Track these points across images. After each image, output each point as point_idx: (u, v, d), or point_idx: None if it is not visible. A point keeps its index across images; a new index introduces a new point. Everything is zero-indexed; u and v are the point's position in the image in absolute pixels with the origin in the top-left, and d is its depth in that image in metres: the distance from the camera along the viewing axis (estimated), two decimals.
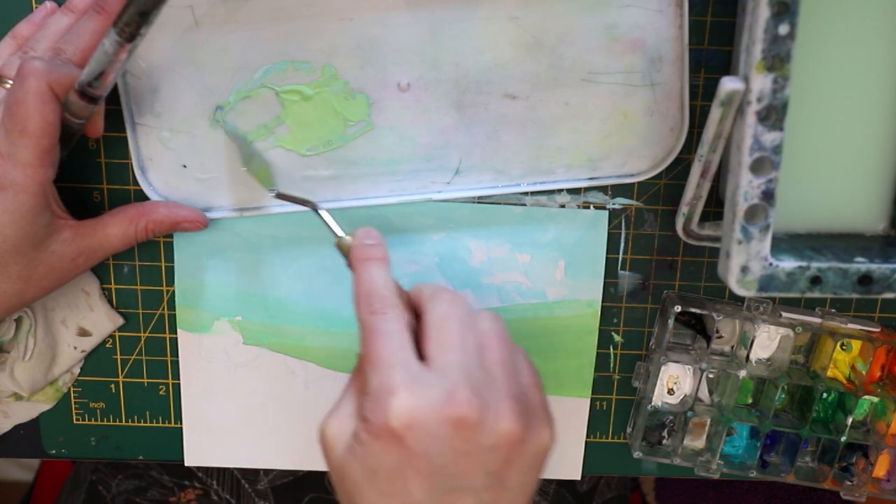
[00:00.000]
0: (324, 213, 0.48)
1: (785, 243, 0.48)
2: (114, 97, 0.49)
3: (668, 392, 0.57)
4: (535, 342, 0.56)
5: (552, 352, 0.57)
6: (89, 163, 0.53)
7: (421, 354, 0.41)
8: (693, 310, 0.54)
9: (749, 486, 0.73)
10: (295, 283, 0.55)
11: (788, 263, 0.45)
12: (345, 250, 0.46)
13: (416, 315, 0.44)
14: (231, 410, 0.57)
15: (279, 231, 0.54)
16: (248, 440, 0.58)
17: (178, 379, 0.57)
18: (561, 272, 0.55)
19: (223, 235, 0.54)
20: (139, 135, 0.50)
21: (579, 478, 0.60)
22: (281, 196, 0.50)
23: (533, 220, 0.54)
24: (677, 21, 0.49)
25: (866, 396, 0.55)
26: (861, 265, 0.45)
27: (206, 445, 0.58)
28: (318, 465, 0.54)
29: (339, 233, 0.46)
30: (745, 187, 0.43)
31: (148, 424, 0.58)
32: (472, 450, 0.39)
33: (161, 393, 0.58)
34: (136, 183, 0.52)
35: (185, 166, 0.51)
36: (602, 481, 0.76)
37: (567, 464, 0.59)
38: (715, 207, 0.53)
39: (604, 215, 0.54)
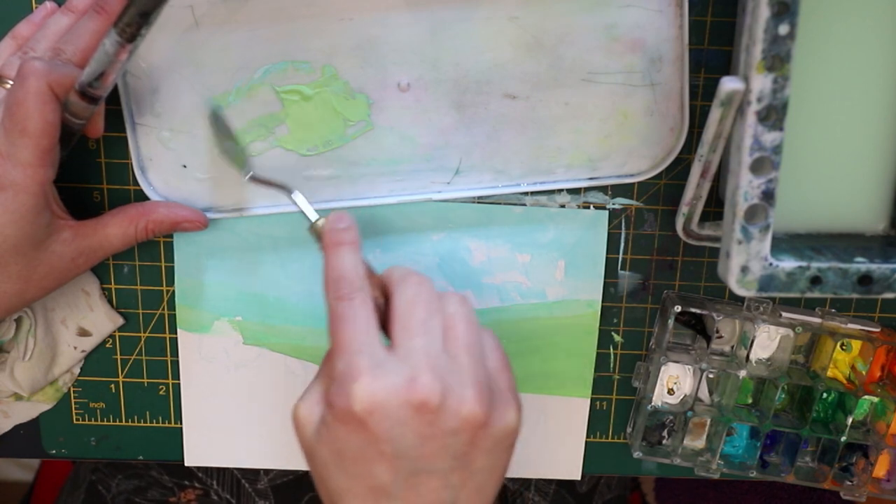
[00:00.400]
0: (297, 197, 0.47)
1: (785, 243, 0.48)
2: (114, 97, 0.50)
3: (668, 392, 0.58)
4: (535, 342, 0.56)
5: (552, 352, 0.57)
6: (89, 163, 0.53)
7: (388, 338, 0.42)
8: (693, 310, 0.54)
9: (749, 486, 0.73)
10: (295, 283, 0.55)
11: (788, 263, 0.45)
12: (318, 234, 0.46)
13: (386, 297, 0.44)
14: (231, 410, 0.57)
15: (279, 231, 0.54)
16: (248, 440, 0.58)
17: (178, 379, 0.57)
18: (561, 272, 0.55)
19: (223, 235, 0.54)
20: (139, 135, 0.50)
21: (579, 478, 0.60)
22: (255, 179, 0.49)
23: (533, 220, 0.54)
24: (677, 21, 0.49)
25: (866, 396, 0.55)
26: (861, 265, 0.45)
27: (206, 445, 0.58)
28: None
29: (313, 217, 0.46)
30: (745, 187, 0.43)
31: (148, 424, 0.58)
32: (435, 433, 0.39)
33: (161, 393, 0.58)
34: (136, 183, 0.52)
35: (185, 166, 0.51)
36: (602, 482, 0.76)
37: (567, 464, 0.59)
38: (715, 207, 0.53)
39: (604, 215, 0.54)
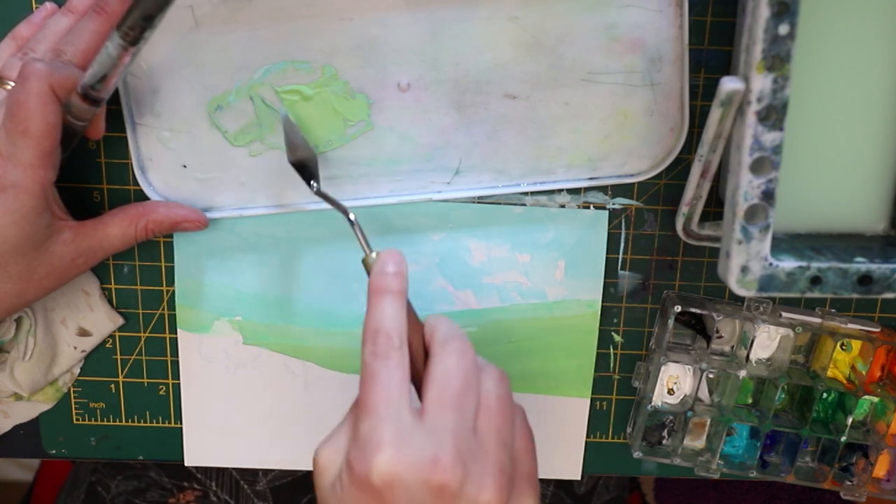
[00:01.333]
0: (355, 225, 0.46)
1: (785, 243, 0.48)
2: (114, 97, 0.50)
3: (668, 392, 0.58)
4: (535, 342, 0.56)
5: (552, 352, 0.57)
6: (89, 163, 0.53)
7: (420, 396, 0.41)
8: (693, 310, 0.54)
9: (749, 486, 0.73)
10: (295, 283, 0.55)
11: (788, 263, 0.45)
12: (368, 269, 0.44)
13: (426, 349, 0.43)
14: (231, 410, 0.57)
15: (279, 231, 0.54)
16: (248, 440, 0.58)
17: (178, 379, 0.57)
18: (561, 272, 0.55)
19: (223, 235, 0.54)
20: (139, 135, 0.51)
21: (579, 478, 0.60)
22: (320, 194, 0.48)
23: (533, 220, 0.54)
24: (677, 21, 0.49)
25: (866, 396, 0.55)
26: (861, 265, 0.45)
27: (205, 445, 0.58)
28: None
29: (366, 249, 0.45)
30: (745, 187, 0.43)
31: (148, 424, 0.59)
32: None
33: (161, 393, 0.58)
34: (136, 183, 0.52)
35: (185, 166, 0.51)
36: (600, 482, 0.76)
37: (567, 464, 0.59)
38: (715, 207, 0.53)
39: (604, 215, 0.54)
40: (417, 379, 0.43)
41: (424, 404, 0.40)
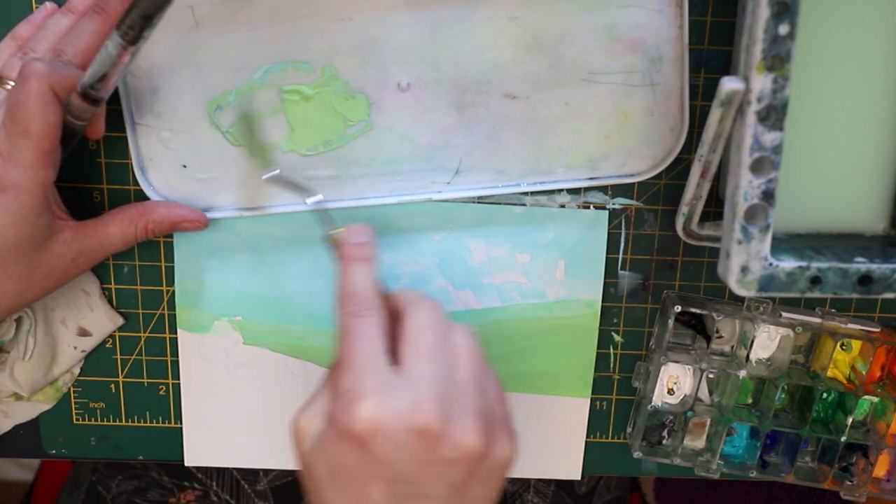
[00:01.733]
0: (317, 205, 0.48)
1: (785, 243, 0.48)
2: (114, 97, 0.50)
3: (668, 392, 0.58)
4: (535, 342, 0.56)
5: (552, 352, 0.57)
6: (89, 163, 0.53)
7: (395, 358, 0.42)
8: (693, 310, 0.54)
9: (749, 487, 0.73)
10: (295, 283, 0.55)
11: (788, 263, 0.45)
12: (335, 244, 0.46)
13: (394, 317, 0.44)
14: (231, 410, 0.58)
15: (279, 231, 0.54)
16: (249, 440, 0.58)
17: (178, 379, 0.57)
18: (561, 272, 0.55)
19: (223, 235, 0.54)
20: (139, 135, 0.51)
21: (579, 478, 0.60)
22: (276, 179, 0.49)
23: (533, 220, 0.54)
24: (677, 21, 0.49)
25: (866, 396, 0.55)
26: (861, 265, 0.45)
27: (206, 445, 0.58)
28: None
29: (331, 225, 0.46)
30: (745, 187, 0.43)
31: (148, 424, 0.59)
32: (434, 460, 0.40)
33: (161, 393, 0.58)
34: (136, 183, 0.52)
35: (185, 166, 0.51)
36: (601, 482, 0.76)
37: (567, 464, 0.59)
38: (715, 207, 0.53)
39: (604, 215, 0.54)
40: (392, 343, 0.44)
41: (401, 358, 0.42)
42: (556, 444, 0.59)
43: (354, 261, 0.45)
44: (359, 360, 0.41)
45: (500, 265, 0.55)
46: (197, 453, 0.59)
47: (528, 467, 0.60)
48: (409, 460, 0.39)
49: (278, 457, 0.59)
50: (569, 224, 0.54)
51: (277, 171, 0.50)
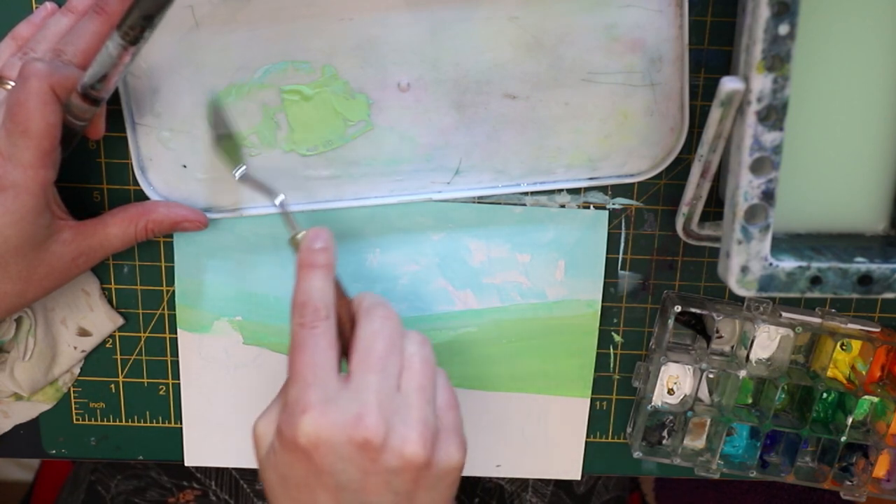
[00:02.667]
0: (281, 207, 0.47)
1: (785, 243, 0.49)
2: (114, 97, 0.50)
3: (668, 392, 0.58)
4: (535, 342, 0.57)
5: (552, 352, 0.57)
6: (89, 163, 0.53)
7: (347, 364, 0.43)
8: (693, 310, 0.54)
9: (749, 487, 0.73)
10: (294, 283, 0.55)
11: (788, 263, 0.45)
12: (296, 248, 0.46)
13: (352, 323, 0.45)
14: (231, 410, 0.58)
15: (279, 231, 0.54)
16: (249, 440, 0.58)
17: (179, 379, 0.57)
18: (561, 272, 0.55)
19: (223, 235, 0.54)
20: (139, 135, 0.51)
21: (579, 477, 0.60)
22: (244, 179, 0.49)
23: (533, 220, 0.54)
24: (677, 21, 0.50)
25: (866, 396, 0.55)
26: (861, 265, 0.45)
27: (206, 445, 0.59)
28: None
29: (294, 229, 0.46)
30: (745, 187, 0.43)
31: (148, 424, 0.59)
32: (377, 470, 0.40)
33: (161, 393, 0.58)
34: (136, 183, 0.52)
35: (185, 166, 0.52)
36: (599, 482, 0.76)
37: (567, 464, 0.60)
38: (715, 207, 0.53)
39: (604, 215, 0.54)
40: (347, 349, 0.44)
41: (350, 367, 0.42)
42: (556, 444, 0.59)
43: (309, 267, 0.44)
44: (305, 372, 0.41)
45: (500, 265, 0.55)
46: (197, 453, 0.59)
47: (528, 467, 0.60)
48: (353, 470, 0.40)
49: None
50: (569, 224, 0.54)
51: (244, 168, 0.49)
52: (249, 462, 0.59)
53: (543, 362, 0.57)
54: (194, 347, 0.56)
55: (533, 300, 0.56)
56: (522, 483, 0.72)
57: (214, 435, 0.58)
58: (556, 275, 0.55)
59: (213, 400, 0.57)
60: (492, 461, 0.60)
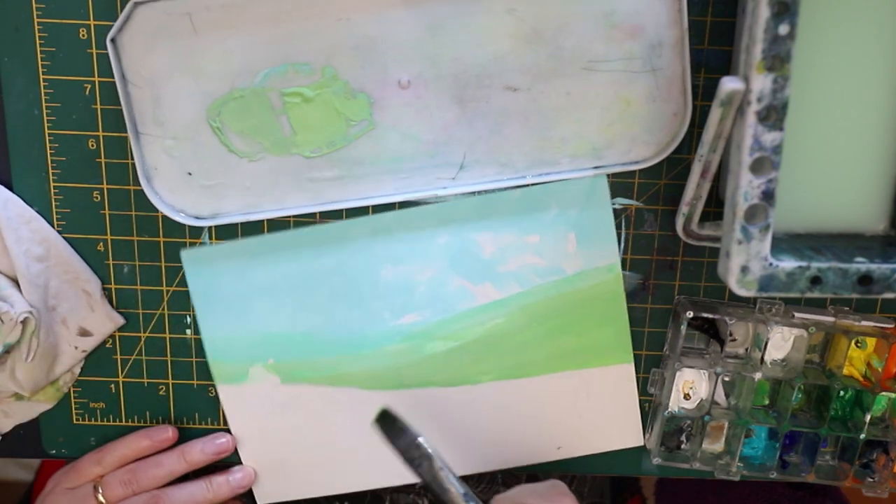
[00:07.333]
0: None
1: (785, 243, 0.55)
2: (117, 108, 0.56)
3: (685, 397, 0.64)
4: (565, 319, 0.63)
5: (584, 324, 0.63)
6: (89, 163, 0.59)
7: None
8: (705, 314, 0.60)
9: (750, 490, 0.78)
10: (315, 316, 0.62)
11: (788, 263, 0.51)
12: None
13: None
14: (287, 448, 0.66)
15: (289, 269, 0.61)
16: (311, 470, 0.66)
17: (178, 379, 0.64)
18: (573, 244, 0.62)
19: (237, 285, 0.61)
20: (143, 144, 0.58)
21: (642, 444, 0.66)
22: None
23: (533, 200, 0.61)
24: (676, 5, 0.56)
25: (884, 393, 0.61)
26: (861, 265, 0.51)
27: (272, 483, 0.67)
28: (378, 482, 0.65)
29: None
30: (745, 187, 0.49)
31: (148, 424, 0.66)
32: None
33: (161, 393, 0.65)
34: (136, 183, 0.59)
35: (190, 174, 0.58)
36: (572, 489, 0.81)
37: (626, 432, 0.66)
38: (715, 207, 0.59)
39: (602, 179, 0.60)
40: None
41: None
42: (610, 414, 0.65)
43: None
44: None
45: (511, 251, 0.62)
46: (266, 493, 0.67)
47: (587, 444, 0.66)
48: None
49: (340, 480, 0.67)
50: (570, 196, 0.60)
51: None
52: (319, 491, 0.67)
53: (578, 337, 0.63)
54: (236, 398, 0.64)
55: (552, 278, 0.62)
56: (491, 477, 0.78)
57: (277, 472, 0.66)
58: (569, 248, 0.61)
59: (267, 442, 0.65)
60: (552, 444, 0.66)
